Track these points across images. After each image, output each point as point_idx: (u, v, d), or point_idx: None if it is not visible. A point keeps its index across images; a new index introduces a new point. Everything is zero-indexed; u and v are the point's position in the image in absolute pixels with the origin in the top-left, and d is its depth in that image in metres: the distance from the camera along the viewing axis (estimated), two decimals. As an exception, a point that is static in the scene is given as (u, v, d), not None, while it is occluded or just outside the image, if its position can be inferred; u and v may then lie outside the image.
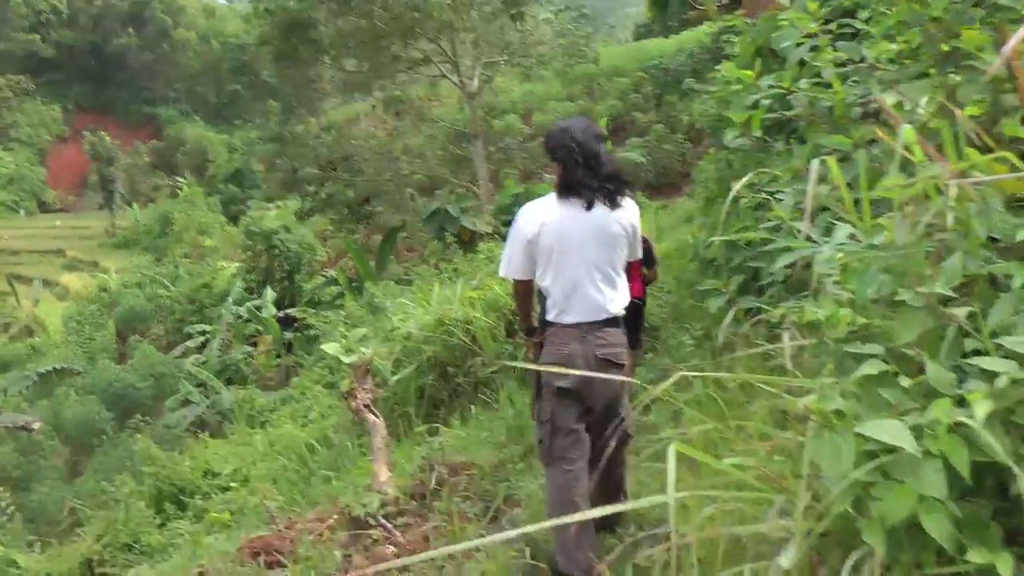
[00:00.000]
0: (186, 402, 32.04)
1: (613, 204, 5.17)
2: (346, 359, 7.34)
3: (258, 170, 57.53)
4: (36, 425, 32.12)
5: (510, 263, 5.34)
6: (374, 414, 7.51)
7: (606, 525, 5.53)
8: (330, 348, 7.35)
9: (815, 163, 3.58)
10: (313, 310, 34.10)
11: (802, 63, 6.05)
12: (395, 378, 11.45)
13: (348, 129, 49.07)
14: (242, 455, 14.24)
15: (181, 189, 73.41)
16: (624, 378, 5.34)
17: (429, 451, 8.96)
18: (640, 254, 5.69)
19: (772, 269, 5.47)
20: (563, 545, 5.17)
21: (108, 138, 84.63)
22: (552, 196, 5.29)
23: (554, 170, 5.31)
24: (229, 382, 32.25)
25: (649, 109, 42.40)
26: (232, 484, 12.89)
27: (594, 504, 5.01)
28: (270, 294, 36.00)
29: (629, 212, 5.31)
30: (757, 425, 3.85)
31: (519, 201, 25.79)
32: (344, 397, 7.48)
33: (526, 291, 5.50)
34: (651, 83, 40.40)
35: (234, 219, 62.33)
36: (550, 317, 5.25)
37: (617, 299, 5.28)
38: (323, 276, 38.52)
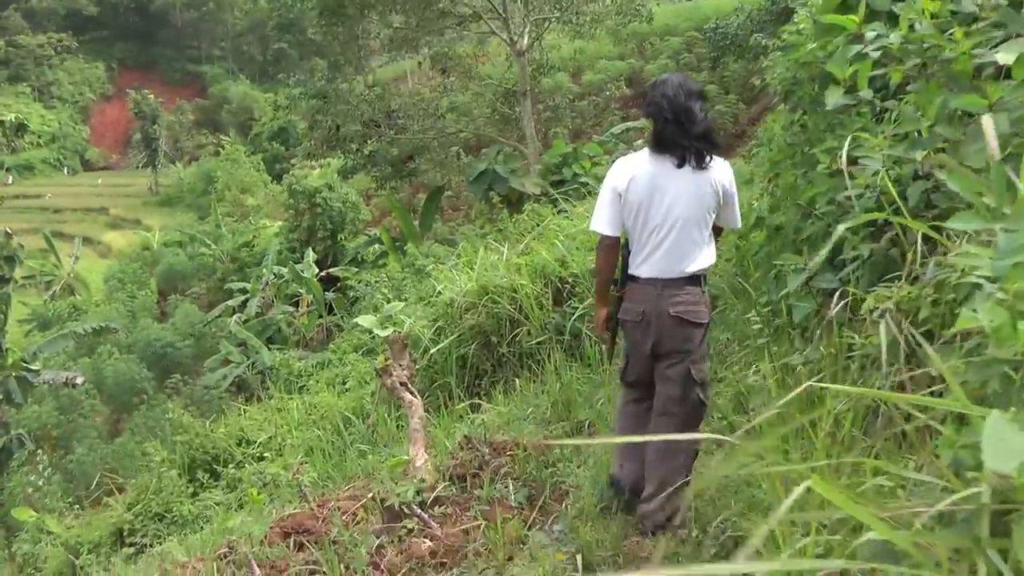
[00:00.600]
0: (226, 362, 31.68)
1: (700, 163, 5.22)
2: (381, 332, 6.73)
3: (302, 128, 56.84)
4: (79, 380, 31.98)
5: (599, 217, 5.44)
6: (411, 392, 6.87)
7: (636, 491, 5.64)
8: (365, 321, 6.76)
9: (987, 119, 2.96)
10: (356, 269, 33.86)
11: (892, 15, 5.38)
12: (436, 348, 10.89)
13: (396, 87, 48.49)
14: (278, 423, 13.70)
15: (224, 147, 73.23)
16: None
17: (471, 428, 8.44)
18: (738, 221, 5.74)
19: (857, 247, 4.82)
20: (619, 462, 5.70)
21: (152, 96, 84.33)
22: (644, 151, 5.36)
23: (647, 125, 5.40)
24: (270, 342, 31.95)
25: (703, 69, 41.70)
26: (266, 454, 12.36)
27: (641, 466, 5.54)
28: (311, 253, 35.60)
29: (721, 173, 5.37)
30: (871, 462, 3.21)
31: (567, 161, 25.21)
32: (378, 374, 6.80)
33: (612, 248, 5.50)
34: (706, 44, 39.37)
35: (278, 177, 62.14)
36: (631, 270, 5.39)
37: (700, 258, 5.31)
38: (366, 235, 38.24)
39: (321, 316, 32.82)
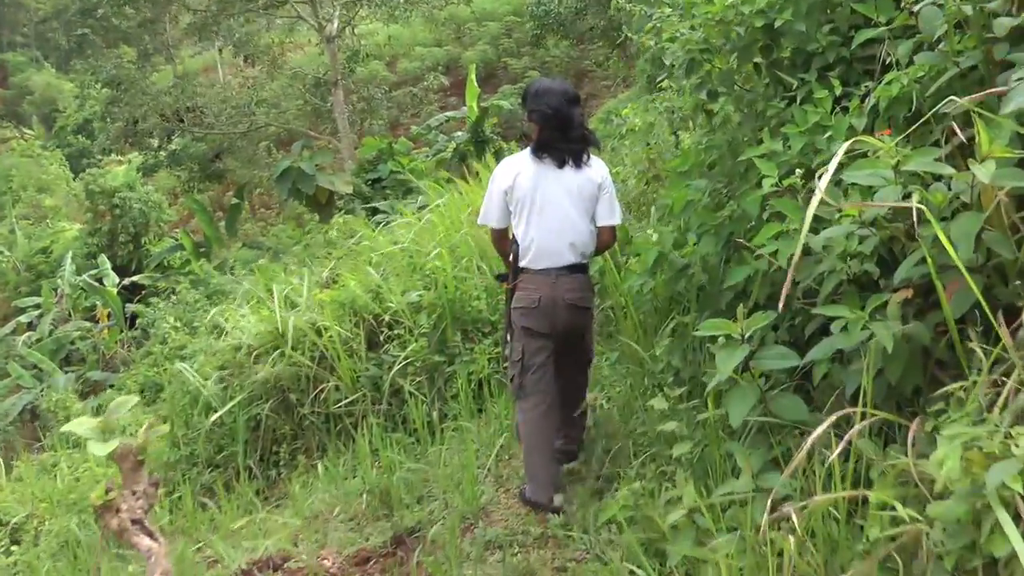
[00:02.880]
0: (18, 388, 28.37)
1: (579, 163, 5.64)
2: (101, 448, 4.36)
3: (98, 123, 53.14)
4: None
5: (487, 212, 5.86)
6: (150, 534, 4.54)
7: (570, 455, 6.11)
8: (78, 427, 4.29)
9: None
10: (160, 276, 31.04)
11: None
12: (224, 408, 8.60)
13: (207, 77, 45.44)
14: (36, 496, 11.00)
15: (25, 140, 68.62)
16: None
17: (255, 539, 6.22)
18: (618, 217, 5.85)
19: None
20: (532, 475, 5.68)
21: (-55, 86, 78.78)
22: (526, 152, 5.72)
23: (529, 127, 5.75)
24: (67, 362, 28.85)
25: (523, 55, 40.40)
26: (13, 546, 9.69)
27: (561, 430, 5.92)
28: (105, 260, 32.56)
29: (597, 170, 5.74)
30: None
31: (383, 157, 22.94)
32: (98, 514, 4.32)
33: (502, 238, 5.90)
34: (530, 21, 37.59)
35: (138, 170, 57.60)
36: (522, 264, 5.68)
37: (585, 248, 5.69)
38: (172, 238, 35.27)
39: (122, 331, 29.78)
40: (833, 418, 2.91)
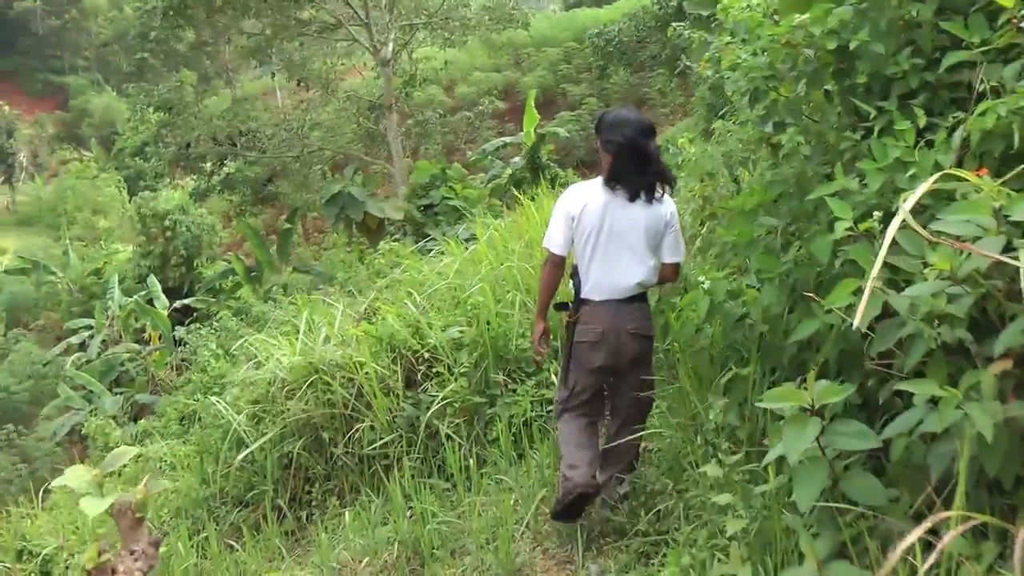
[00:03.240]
0: (67, 408, 28.24)
1: (651, 197, 5.54)
2: (95, 506, 3.88)
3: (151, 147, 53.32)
4: None
5: (552, 236, 5.72)
6: None
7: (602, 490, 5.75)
8: (71, 480, 3.77)
9: None
10: (212, 299, 30.86)
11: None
12: (255, 444, 8.18)
13: (264, 101, 45.39)
14: (66, 527, 10.64)
15: (82, 162, 69.16)
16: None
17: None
18: (682, 255, 5.83)
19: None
20: (570, 464, 5.56)
21: (7, 108, 79.58)
22: (597, 181, 5.64)
23: (602, 157, 5.65)
24: (116, 384, 28.70)
25: (582, 81, 40.07)
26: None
27: (604, 460, 5.83)
28: (155, 282, 32.49)
29: (667, 206, 5.64)
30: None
31: (435, 183, 22.56)
32: None
33: (558, 266, 5.80)
34: (592, 52, 37.28)
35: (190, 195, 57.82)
36: (584, 295, 5.65)
37: (648, 282, 5.62)
38: (225, 261, 35.22)
39: (171, 353, 29.58)
40: (927, 525, 2.38)
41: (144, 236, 36.37)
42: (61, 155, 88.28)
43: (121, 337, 32.20)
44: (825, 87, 4.49)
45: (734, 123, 7.72)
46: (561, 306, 5.97)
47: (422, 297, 9.16)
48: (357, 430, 7.86)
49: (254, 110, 34.71)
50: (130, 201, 58.78)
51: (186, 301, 31.87)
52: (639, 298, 5.65)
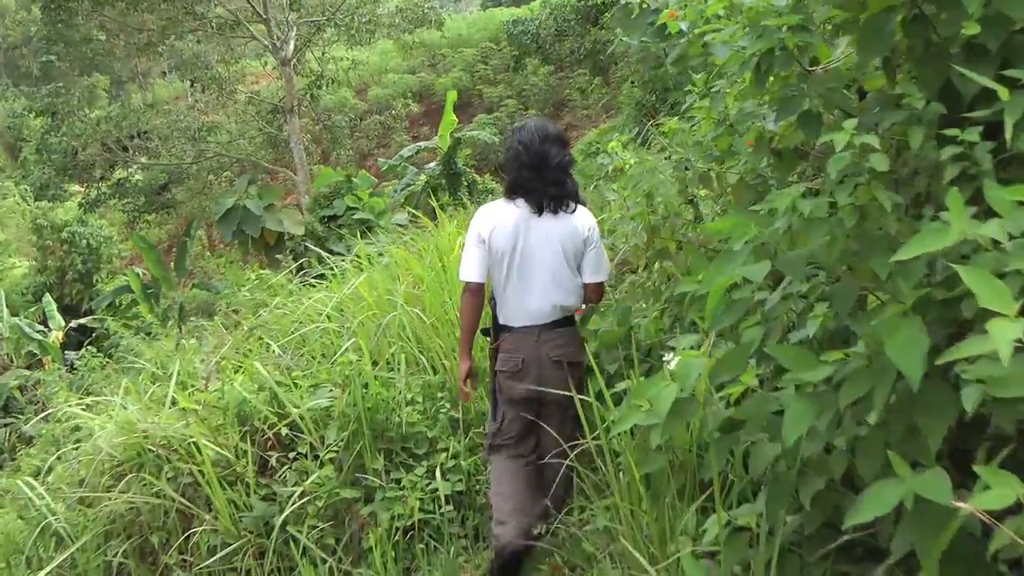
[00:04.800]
0: (-57, 444, 25.86)
1: (558, 208, 5.11)
2: None
3: (30, 154, 50.87)
4: None
5: (468, 267, 5.26)
6: None
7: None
8: None
9: None
10: (110, 318, 28.61)
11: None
12: (73, 547, 6.17)
13: (176, 105, 43.12)
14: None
15: (-9, 171, 66.16)
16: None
17: None
18: (604, 273, 5.34)
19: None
20: (500, 520, 5.11)
21: (-92, 115, 76.14)
22: (504, 202, 5.24)
23: (505, 170, 5.34)
24: (6, 412, 26.37)
25: (499, 82, 38.82)
26: None
27: (528, 517, 5.11)
28: (50, 300, 30.15)
29: (583, 220, 5.21)
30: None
31: (340, 191, 20.67)
32: None
33: (476, 293, 5.28)
34: (508, 43, 35.66)
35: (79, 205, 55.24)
36: (502, 321, 5.28)
37: (569, 301, 5.20)
38: (125, 275, 33.12)
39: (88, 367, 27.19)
40: None
41: (40, 249, 34.45)
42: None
43: (12, 361, 29.84)
44: (886, 53, 2.57)
45: (686, 119, 5.81)
46: (484, 331, 5.48)
47: (289, 345, 7.24)
48: (193, 533, 5.89)
49: (144, 112, 32.48)
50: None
51: (83, 320, 29.74)
52: (563, 322, 5.23)
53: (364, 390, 6.07)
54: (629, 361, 4.97)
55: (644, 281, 5.37)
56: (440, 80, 41.53)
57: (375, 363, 6.48)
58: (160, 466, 6.15)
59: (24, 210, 57.25)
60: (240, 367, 7.01)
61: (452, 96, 23.37)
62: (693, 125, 5.61)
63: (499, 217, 5.17)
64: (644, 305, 5.24)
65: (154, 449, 6.19)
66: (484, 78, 40.31)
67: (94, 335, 27.48)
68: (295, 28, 28.14)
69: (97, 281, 32.82)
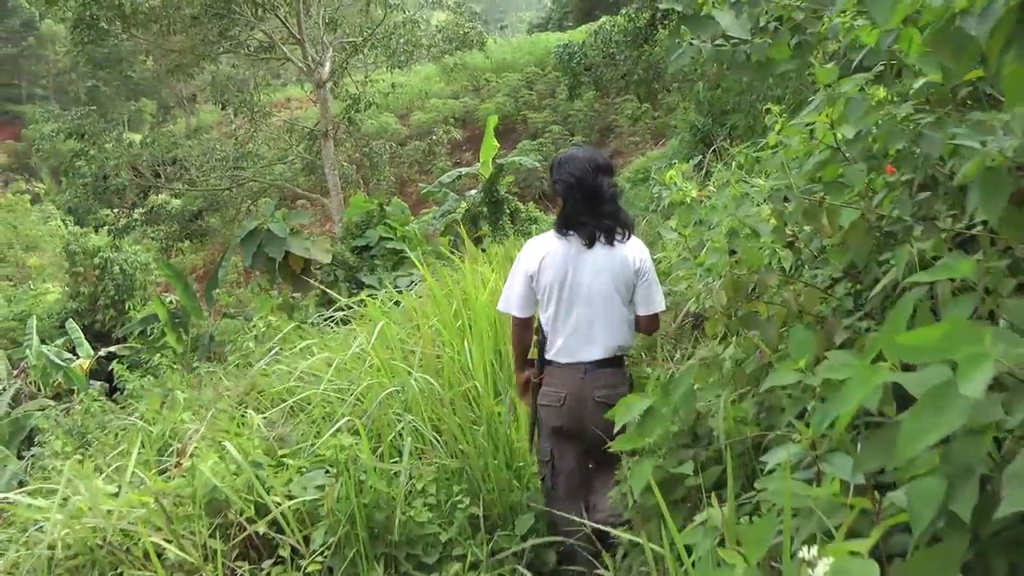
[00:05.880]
0: (-35, 476, 24.96)
1: (610, 240, 4.97)
2: None
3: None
4: None
5: (508, 298, 5.18)
6: None
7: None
8: None
9: None
10: (140, 347, 27.75)
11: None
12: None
13: (220, 131, 42.45)
14: None
15: (40, 195, 66.29)
16: None
17: None
18: (658, 304, 5.12)
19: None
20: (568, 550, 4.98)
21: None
22: (554, 234, 5.07)
23: (555, 204, 5.15)
24: (31, 443, 25.45)
25: (544, 108, 38.26)
26: None
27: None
28: (75, 327, 29.31)
29: (636, 251, 5.04)
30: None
31: (371, 221, 19.63)
32: None
33: (523, 328, 5.22)
34: (557, 67, 34.77)
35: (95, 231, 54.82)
36: (548, 356, 5.09)
37: (620, 340, 5.01)
38: (159, 302, 32.43)
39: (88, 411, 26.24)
40: None
41: (72, 275, 33.84)
42: (16, 186, 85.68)
43: (40, 390, 28.98)
44: None
45: (773, 152, 4.46)
46: (528, 363, 5.30)
47: (284, 411, 6.04)
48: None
49: (180, 137, 31.67)
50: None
51: (112, 349, 28.91)
52: (612, 362, 5.00)
53: (360, 483, 4.84)
54: (698, 465, 3.65)
55: (718, 356, 3.95)
56: (484, 105, 40.93)
57: (377, 445, 5.26)
58: (117, 564, 4.97)
59: (62, 234, 56.90)
60: (223, 438, 5.80)
61: (493, 120, 22.35)
62: (774, 150, 4.34)
63: (548, 250, 5.00)
64: (719, 392, 3.76)
65: (104, 546, 5.00)
66: (529, 103, 39.75)
67: (124, 363, 26.73)
68: (331, 49, 27.24)
69: (129, 308, 32.10)
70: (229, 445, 5.12)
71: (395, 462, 5.10)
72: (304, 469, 5.20)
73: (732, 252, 3.59)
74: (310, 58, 26.38)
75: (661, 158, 23.24)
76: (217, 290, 27.60)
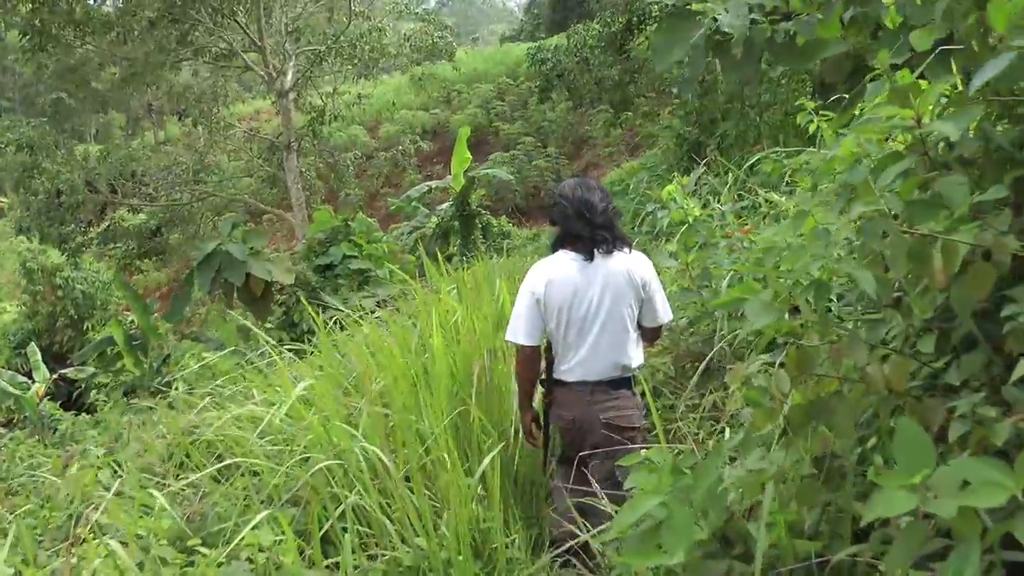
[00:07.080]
0: (-95, 511, 23.81)
1: (609, 250, 4.90)
2: None
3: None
4: None
5: (516, 328, 5.04)
6: None
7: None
8: None
9: None
10: (94, 371, 26.69)
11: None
12: None
13: (187, 142, 41.53)
14: None
15: (4, 209, 64.89)
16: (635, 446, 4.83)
17: None
18: (664, 316, 5.09)
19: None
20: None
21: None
22: (557, 254, 5.04)
23: (555, 233, 5.16)
24: (-24, 479, 24.25)
25: (516, 119, 37.97)
26: None
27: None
28: (35, 350, 28.24)
29: (641, 265, 5.01)
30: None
31: (335, 238, 18.66)
32: None
33: (533, 358, 5.04)
34: (530, 69, 33.95)
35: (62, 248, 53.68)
36: (556, 375, 5.04)
37: (628, 358, 4.97)
38: (119, 322, 31.46)
39: (41, 442, 25.13)
40: None
41: (30, 295, 32.88)
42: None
43: (-13, 419, 28.02)
44: None
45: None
46: (539, 381, 5.11)
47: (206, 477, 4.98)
48: None
49: (137, 151, 30.59)
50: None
51: (67, 371, 27.88)
52: (620, 382, 4.93)
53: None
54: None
55: (774, 464, 2.71)
56: (455, 117, 40.30)
57: (310, 536, 4.16)
58: None
59: (20, 250, 55.53)
60: (124, 522, 4.70)
61: (465, 132, 21.50)
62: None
63: (553, 270, 4.96)
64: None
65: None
66: (501, 115, 39.12)
67: (79, 387, 25.90)
68: (293, 58, 26.21)
69: (88, 329, 31.49)
70: (118, 548, 3.99)
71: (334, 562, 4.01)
72: (222, 563, 4.11)
73: (795, 309, 2.43)
74: (271, 66, 25.36)
75: (640, 169, 22.40)
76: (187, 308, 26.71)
